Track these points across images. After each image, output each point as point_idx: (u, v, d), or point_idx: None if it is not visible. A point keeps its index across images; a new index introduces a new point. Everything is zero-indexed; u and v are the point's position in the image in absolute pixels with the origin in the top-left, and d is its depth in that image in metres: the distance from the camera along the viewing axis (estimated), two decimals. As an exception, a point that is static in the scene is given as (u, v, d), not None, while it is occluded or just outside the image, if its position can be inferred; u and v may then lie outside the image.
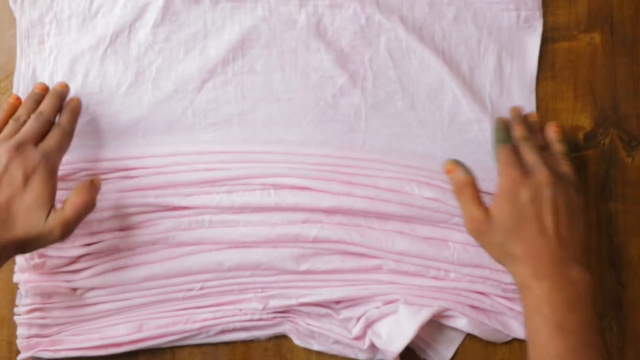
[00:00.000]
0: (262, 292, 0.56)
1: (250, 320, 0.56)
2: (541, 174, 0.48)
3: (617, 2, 0.59)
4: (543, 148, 0.52)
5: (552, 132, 0.54)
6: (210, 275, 0.56)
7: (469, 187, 0.49)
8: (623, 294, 0.58)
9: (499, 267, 0.55)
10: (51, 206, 0.49)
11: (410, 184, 0.55)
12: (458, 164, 0.50)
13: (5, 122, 0.52)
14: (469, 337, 0.58)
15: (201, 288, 0.56)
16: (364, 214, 0.56)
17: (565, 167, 0.51)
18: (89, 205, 0.51)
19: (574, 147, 0.58)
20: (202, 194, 0.56)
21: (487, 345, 0.58)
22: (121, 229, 0.56)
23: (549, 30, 0.59)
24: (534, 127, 0.54)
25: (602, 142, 0.59)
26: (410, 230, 0.56)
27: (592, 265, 0.58)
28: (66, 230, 0.49)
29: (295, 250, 0.56)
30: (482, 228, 0.48)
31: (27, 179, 0.48)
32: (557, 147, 0.53)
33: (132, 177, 0.56)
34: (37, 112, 0.52)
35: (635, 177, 0.58)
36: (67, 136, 0.53)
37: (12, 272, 0.57)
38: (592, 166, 0.58)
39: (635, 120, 0.58)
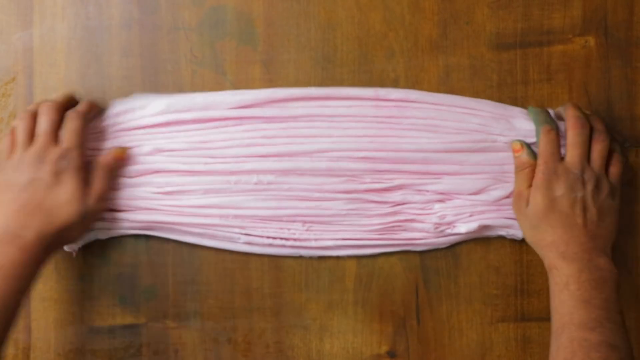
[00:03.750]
0: None
1: None
2: (576, 175, 0.53)
3: (611, 6, 0.60)
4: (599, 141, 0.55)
5: (617, 133, 0.58)
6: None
7: (528, 169, 0.55)
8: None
9: None
10: (84, 192, 0.54)
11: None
12: (524, 145, 0.56)
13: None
14: (463, 333, 0.59)
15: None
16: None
17: (614, 167, 0.55)
18: (114, 168, 0.56)
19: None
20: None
21: (484, 342, 0.59)
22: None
23: (545, 34, 0.60)
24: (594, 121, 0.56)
25: (597, 143, 0.60)
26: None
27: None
28: (103, 200, 0.55)
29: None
30: (522, 208, 0.54)
31: (57, 178, 0.53)
32: (616, 147, 0.56)
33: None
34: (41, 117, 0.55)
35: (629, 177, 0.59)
36: (82, 121, 0.55)
37: (17, 270, 0.58)
38: (587, 167, 0.59)
39: (629, 122, 0.59)
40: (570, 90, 0.59)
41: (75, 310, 0.60)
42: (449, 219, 0.57)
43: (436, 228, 0.57)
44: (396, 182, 0.57)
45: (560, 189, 0.52)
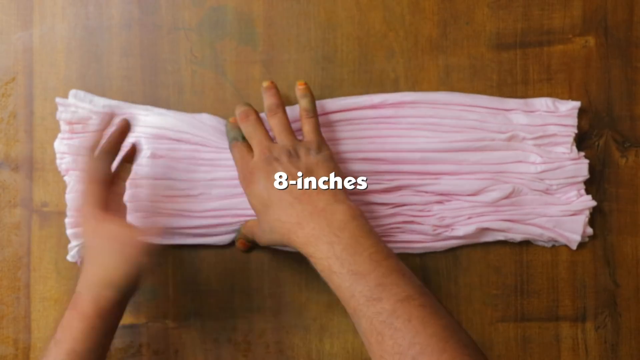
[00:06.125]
0: None
1: None
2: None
3: (611, 6, 0.60)
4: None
5: (298, 90, 0.56)
6: None
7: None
8: (617, 292, 0.59)
9: None
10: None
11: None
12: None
13: None
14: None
15: None
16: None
17: (309, 135, 0.54)
18: None
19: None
20: None
21: (484, 342, 0.59)
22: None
23: (545, 34, 0.60)
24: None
25: (597, 143, 0.60)
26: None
27: (587, 264, 0.59)
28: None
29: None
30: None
31: None
32: (302, 103, 0.55)
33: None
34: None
35: (628, 177, 0.59)
36: None
37: (16, 269, 0.58)
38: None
39: (628, 121, 0.59)
40: (570, 90, 0.60)
41: (75, 310, 0.60)
42: (447, 221, 0.57)
43: (434, 230, 0.57)
44: (395, 183, 0.57)
45: (257, 186, 0.51)
